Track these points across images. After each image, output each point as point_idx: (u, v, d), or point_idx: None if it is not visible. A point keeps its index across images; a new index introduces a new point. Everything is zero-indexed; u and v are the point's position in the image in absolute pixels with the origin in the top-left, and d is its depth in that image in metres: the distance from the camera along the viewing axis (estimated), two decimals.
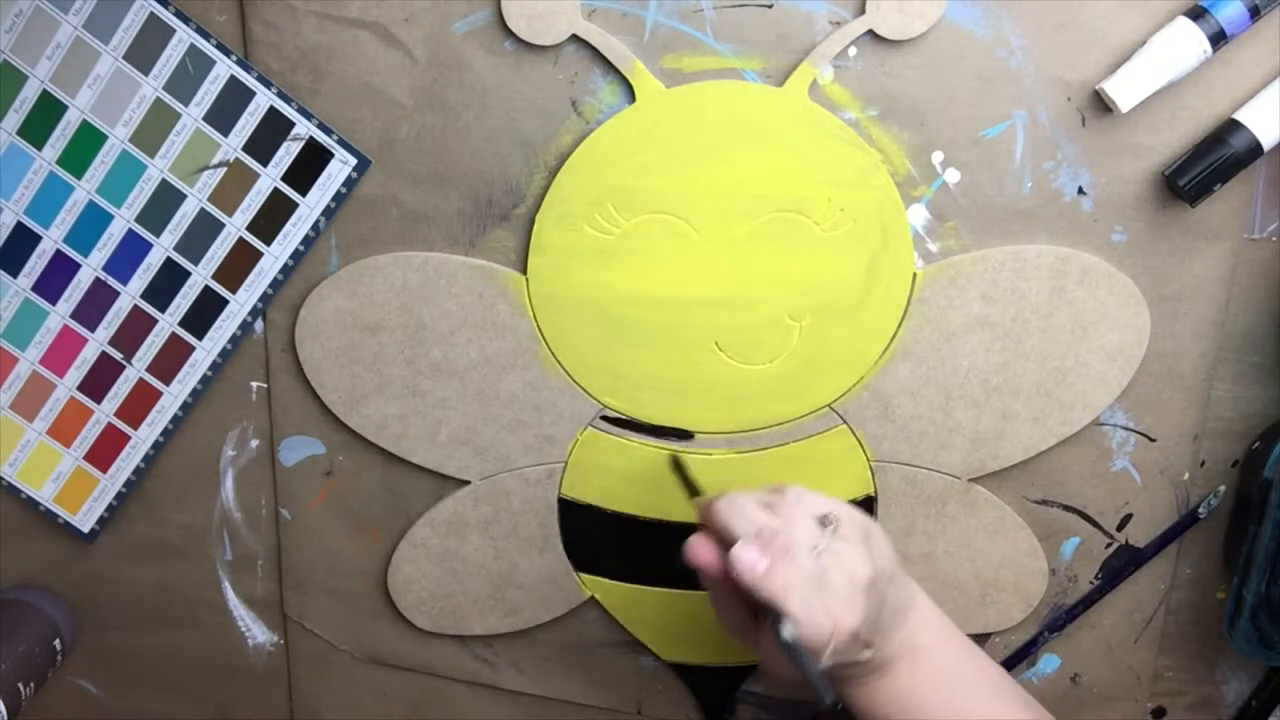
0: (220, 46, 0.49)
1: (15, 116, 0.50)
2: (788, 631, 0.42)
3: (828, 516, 0.44)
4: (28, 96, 0.50)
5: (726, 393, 0.52)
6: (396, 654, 0.59)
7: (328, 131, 0.50)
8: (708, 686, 0.58)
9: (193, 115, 0.50)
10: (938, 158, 0.48)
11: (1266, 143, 0.46)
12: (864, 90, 0.48)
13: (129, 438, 0.55)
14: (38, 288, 0.53)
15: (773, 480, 0.53)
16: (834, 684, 0.46)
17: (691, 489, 0.49)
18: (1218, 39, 0.45)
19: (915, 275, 0.50)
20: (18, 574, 0.59)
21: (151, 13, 0.48)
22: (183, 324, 0.53)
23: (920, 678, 0.46)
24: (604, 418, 0.53)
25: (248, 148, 0.50)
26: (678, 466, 0.51)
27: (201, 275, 0.53)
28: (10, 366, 0.54)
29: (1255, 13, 0.45)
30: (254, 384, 0.55)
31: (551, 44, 0.48)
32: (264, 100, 0.50)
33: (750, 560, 0.42)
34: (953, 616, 0.55)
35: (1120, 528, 0.54)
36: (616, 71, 0.48)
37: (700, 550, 0.44)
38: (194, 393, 0.55)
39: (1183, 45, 0.45)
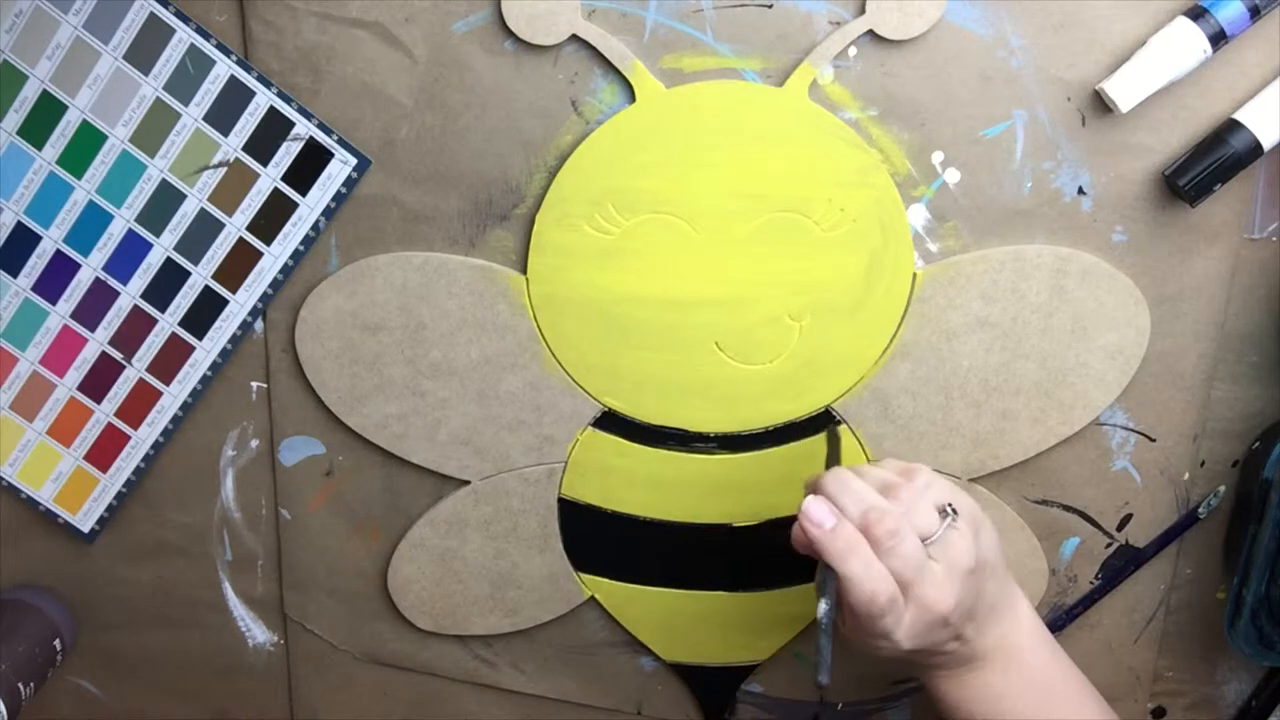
0: (220, 46, 0.49)
1: (15, 116, 0.50)
2: (822, 609, 0.42)
3: (949, 508, 0.44)
4: (28, 96, 0.50)
5: (726, 393, 0.52)
6: (396, 654, 0.59)
7: (328, 131, 0.50)
8: (708, 686, 0.58)
9: (193, 115, 0.50)
10: (938, 158, 0.48)
11: (1266, 143, 0.46)
12: (864, 90, 0.48)
13: (129, 438, 0.55)
14: (38, 288, 0.53)
15: (772, 481, 0.53)
16: (925, 674, 0.47)
17: (832, 463, 0.49)
18: (1218, 39, 0.45)
19: (915, 275, 0.50)
20: (18, 574, 0.59)
21: (151, 13, 0.48)
22: (183, 324, 0.53)
23: (1013, 679, 0.46)
24: (604, 418, 0.53)
25: (248, 148, 0.50)
26: (833, 438, 0.50)
27: (201, 275, 0.53)
28: (10, 366, 0.54)
29: (1255, 13, 0.45)
30: (254, 384, 0.55)
31: (551, 44, 0.48)
32: (264, 100, 0.50)
33: (819, 515, 0.43)
34: None
35: (1120, 528, 0.54)
36: (616, 71, 0.48)
37: (813, 508, 0.44)
38: (194, 393, 0.55)
39: (1183, 45, 0.45)
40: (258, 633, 0.59)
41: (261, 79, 0.49)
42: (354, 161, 0.50)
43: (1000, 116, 0.48)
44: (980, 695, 0.46)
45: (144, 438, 0.55)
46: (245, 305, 0.53)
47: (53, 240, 0.52)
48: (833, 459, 0.49)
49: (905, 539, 0.42)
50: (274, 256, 0.52)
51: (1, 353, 0.54)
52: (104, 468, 0.56)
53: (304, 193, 0.51)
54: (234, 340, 0.54)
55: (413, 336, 0.52)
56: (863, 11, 0.46)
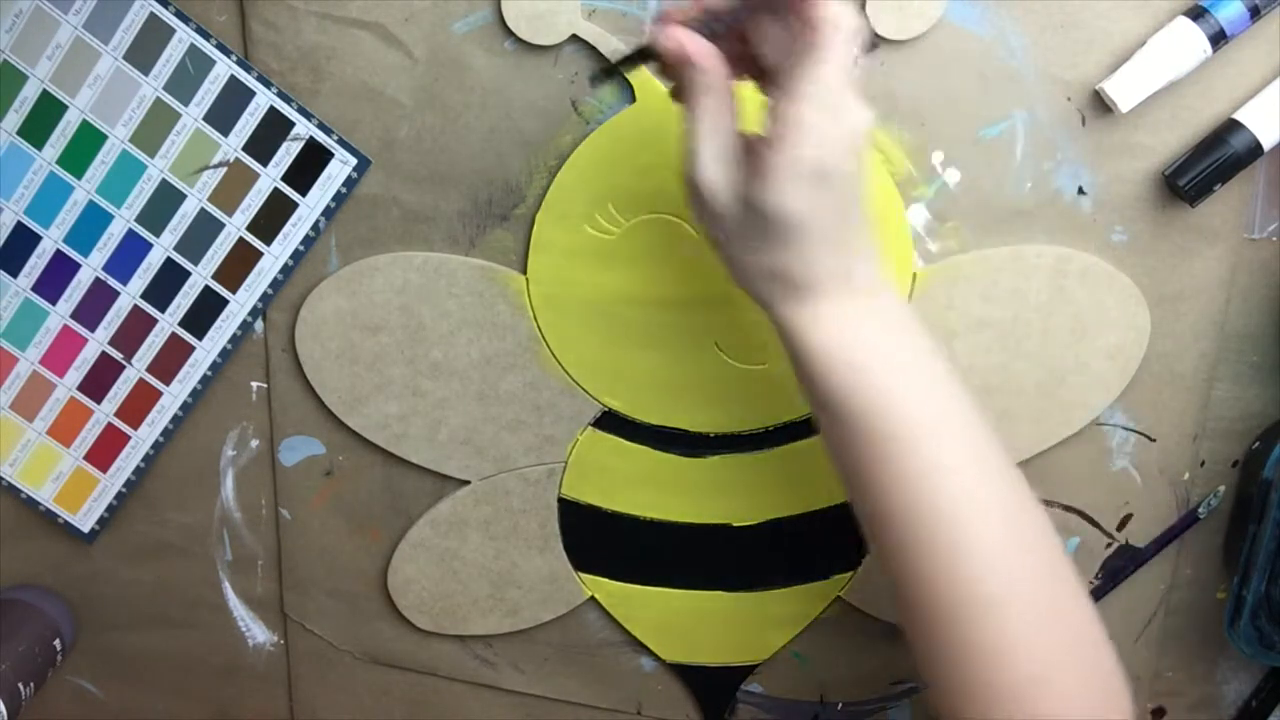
0: (220, 46, 0.49)
1: (15, 116, 0.50)
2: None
3: (872, 40, 0.39)
4: (28, 96, 0.50)
5: (726, 393, 0.52)
6: (396, 654, 0.59)
7: (328, 131, 0.50)
8: (708, 686, 0.58)
9: (193, 115, 0.50)
10: (938, 158, 0.48)
11: (1266, 143, 0.46)
12: (864, 90, 0.48)
13: (129, 438, 0.55)
14: (38, 288, 0.53)
15: (773, 481, 0.53)
16: (779, 303, 0.41)
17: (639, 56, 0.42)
18: (1218, 39, 0.45)
19: (915, 275, 0.50)
20: (18, 574, 0.59)
21: (151, 13, 0.48)
22: (183, 324, 0.53)
23: (882, 323, 0.41)
24: (604, 418, 0.53)
25: (248, 148, 0.50)
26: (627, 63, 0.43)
27: (201, 275, 0.53)
28: (10, 366, 0.54)
29: (1255, 13, 0.45)
30: (254, 384, 0.55)
31: (551, 44, 0.48)
32: (264, 100, 0.50)
33: None
34: None
35: (1120, 528, 0.54)
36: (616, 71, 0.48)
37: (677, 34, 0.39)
38: (194, 393, 0.55)
39: (1183, 45, 0.45)
40: (258, 633, 0.60)
41: (261, 79, 0.49)
42: (354, 161, 0.50)
43: (1000, 116, 0.48)
44: (846, 338, 0.41)
45: (144, 438, 0.55)
46: (245, 305, 0.53)
47: (53, 240, 0.52)
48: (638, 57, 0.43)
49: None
50: (274, 256, 0.52)
51: (1, 353, 0.54)
52: (104, 468, 0.56)
53: (304, 193, 0.51)
54: (234, 340, 0.54)
55: (413, 336, 0.52)
56: (862, 12, 0.46)
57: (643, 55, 0.42)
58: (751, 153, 0.39)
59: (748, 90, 0.42)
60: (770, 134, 0.39)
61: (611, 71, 0.44)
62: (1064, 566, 0.42)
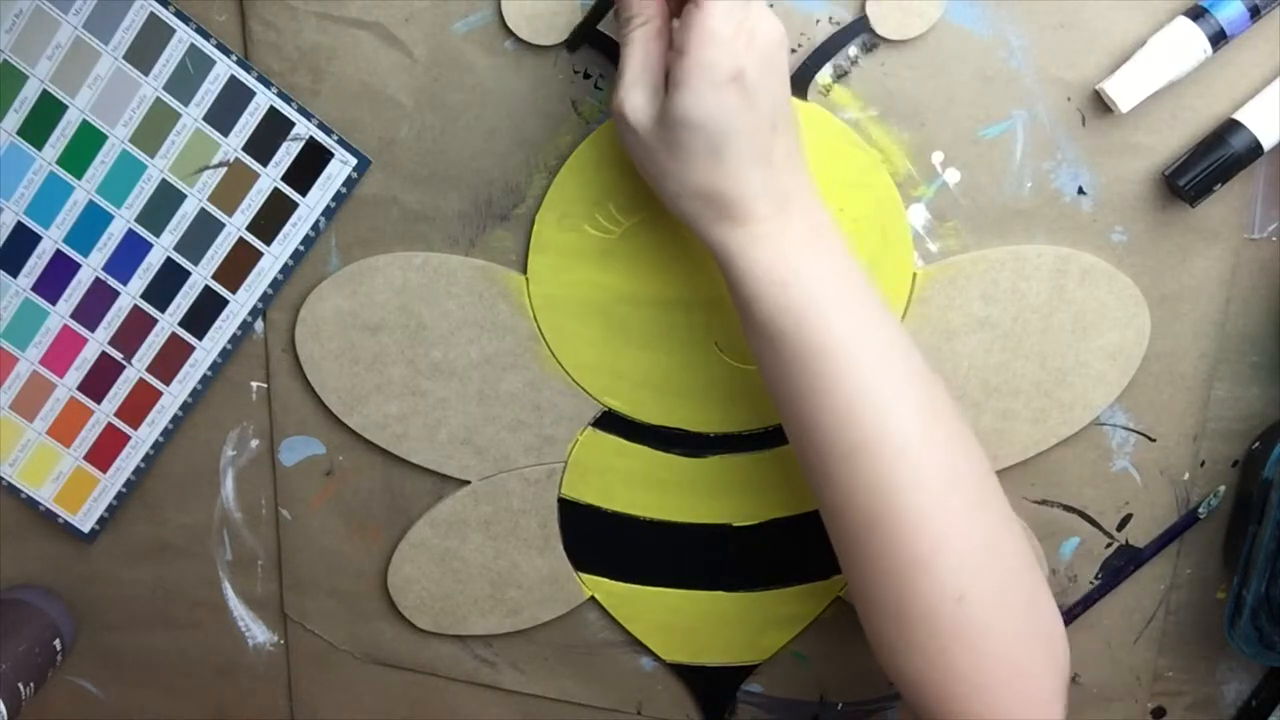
0: (220, 46, 0.49)
1: (15, 116, 0.50)
2: None
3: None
4: (28, 96, 0.50)
5: (726, 393, 0.52)
6: (396, 654, 0.59)
7: (328, 131, 0.50)
8: (708, 686, 0.58)
9: (193, 115, 0.50)
10: (938, 158, 0.48)
11: (1266, 143, 0.46)
12: (864, 90, 0.48)
13: (129, 438, 0.55)
14: (38, 288, 0.53)
15: (773, 481, 0.53)
16: (703, 226, 0.42)
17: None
18: (1218, 39, 0.45)
19: (915, 275, 0.50)
20: (18, 574, 0.59)
21: (151, 13, 0.48)
22: (183, 324, 0.53)
23: (816, 255, 0.41)
24: (604, 418, 0.53)
25: (248, 148, 0.50)
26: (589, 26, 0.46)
27: (201, 275, 0.53)
28: (10, 366, 0.54)
29: (1255, 13, 0.45)
30: (254, 384, 0.55)
31: (551, 44, 0.48)
32: (264, 100, 0.50)
33: None
34: None
35: (1120, 528, 0.54)
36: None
37: None
38: (194, 393, 0.55)
39: (1183, 45, 0.45)
40: (258, 633, 0.60)
41: (261, 79, 0.49)
42: (354, 161, 0.50)
43: (1000, 116, 0.48)
44: (779, 258, 0.41)
45: (144, 438, 0.55)
46: (245, 305, 0.53)
47: (53, 240, 0.52)
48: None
49: None
50: (274, 256, 0.52)
51: (1, 353, 0.54)
52: (104, 468, 0.56)
53: (304, 193, 0.51)
54: (234, 340, 0.54)
55: (413, 336, 0.52)
56: (862, 12, 0.46)
57: (604, 3, 0.44)
58: (669, 70, 0.40)
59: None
60: (681, 43, 0.39)
61: (584, 31, 0.46)
62: (997, 496, 0.42)
